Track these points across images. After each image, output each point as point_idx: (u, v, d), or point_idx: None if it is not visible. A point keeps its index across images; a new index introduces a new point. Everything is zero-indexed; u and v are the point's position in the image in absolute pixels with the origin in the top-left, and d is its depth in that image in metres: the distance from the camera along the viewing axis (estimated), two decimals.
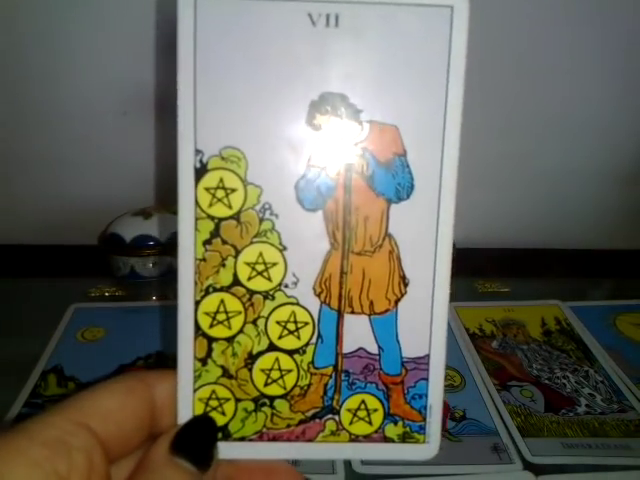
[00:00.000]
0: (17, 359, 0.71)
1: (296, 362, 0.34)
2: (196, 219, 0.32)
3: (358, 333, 0.34)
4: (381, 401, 0.35)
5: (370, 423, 0.35)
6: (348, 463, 0.56)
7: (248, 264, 0.33)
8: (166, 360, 0.71)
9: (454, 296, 0.83)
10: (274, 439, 0.34)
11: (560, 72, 0.94)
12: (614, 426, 0.64)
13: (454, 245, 0.84)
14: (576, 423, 0.64)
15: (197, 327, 0.33)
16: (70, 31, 0.87)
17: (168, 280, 0.87)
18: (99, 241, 0.92)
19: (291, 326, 0.34)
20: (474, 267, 0.92)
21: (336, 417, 0.35)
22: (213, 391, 0.34)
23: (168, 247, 0.86)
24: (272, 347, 0.34)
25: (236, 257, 0.33)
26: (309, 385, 0.34)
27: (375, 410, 0.35)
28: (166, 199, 0.96)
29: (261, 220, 0.33)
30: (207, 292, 0.33)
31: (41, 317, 0.80)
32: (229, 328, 0.34)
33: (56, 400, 0.64)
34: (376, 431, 0.35)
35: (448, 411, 0.65)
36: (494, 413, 0.65)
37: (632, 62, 0.94)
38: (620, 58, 0.94)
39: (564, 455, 0.60)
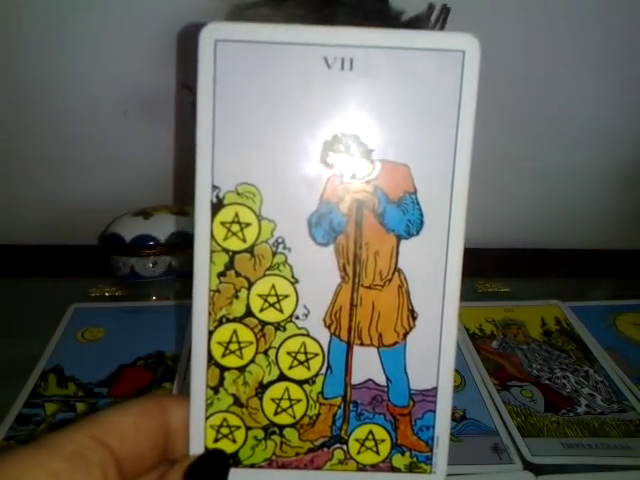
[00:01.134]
0: (17, 359, 0.72)
1: (305, 392, 0.34)
2: (211, 252, 0.33)
3: (367, 365, 0.34)
4: (389, 432, 0.35)
5: (378, 453, 0.35)
6: None
7: (261, 296, 0.34)
8: (166, 360, 0.71)
9: None
10: (283, 467, 0.35)
11: (560, 74, 0.94)
12: (614, 426, 0.64)
13: None
14: (576, 423, 0.65)
15: (210, 356, 0.34)
16: (71, 31, 0.87)
17: (168, 280, 0.88)
18: (99, 241, 0.92)
19: (301, 357, 0.34)
20: (474, 267, 0.91)
21: (344, 446, 0.35)
22: (224, 419, 0.34)
23: (168, 247, 0.86)
24: (282, 377, 0.34)
25: (249, 289, 0.33)
26: (318, 415, 0.35)
27: (383, 440, 0.35)
28: (166, 199, 0.96)
29: (274, 254, 0.33)
30: (220, 322, 0.34)
31: (41, 317, 0.80)
32: (241, 358, 0.34)
33: (56, 400, 0.65)
34: (383, 461, 0.35)
35: None
36: (494, 413, 0.65)
37: (631, 65, 0.94)
38: (620, 61, 0.94)
39: (564, 455, 0.60)
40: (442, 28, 0.75)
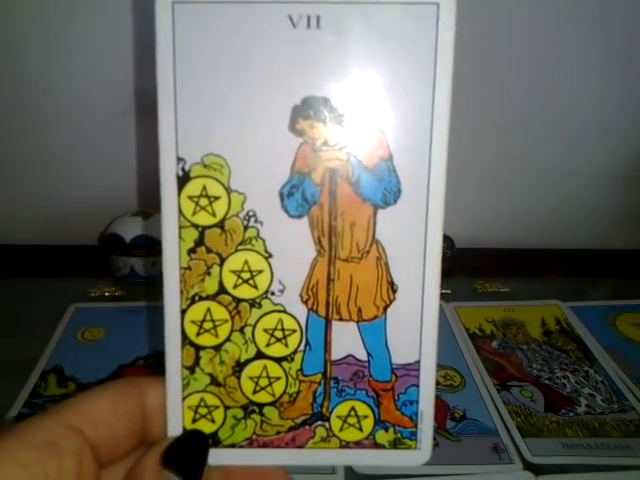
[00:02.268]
0: (17, 359, 0.72)
1: (284, 369, 0.34)
2: (180, 228, 0.32)
3: (346, 340, 0.34)
4: (371, 408, 0.34)
5: (360, 429, 0.34)
6: None
7: (234, 272, 0.33)
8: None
9: (454, 296, 0.83)
10: (264, 445, 0.34)
11: (560, 72, 0.94)
12: (614, 426, 0.64)
13: (454, 245, 0.84)
14: (576, 423, 0.64)
15: (184, 336, 0.33)
16: (68, 32, 0.87)
17: None
18: (99, 241, 0.92)
19: (278, 334, 0.33)
20: (474, 267, 0.92)
21: (326, 424, 0.34)
22: (202, 399, 0.34)
23: None
24: (260, 355, 0.34)
25: (221, 265, 0.33)
26: (298, 392, 0.34)
27: (365, 417, 0.34)
28: None
29: (246, 227, 0.32)
30: (193, 301, 0.33)
31: (41, 317, 0.80)
32: (216, 336, 0.33)
33: (56, 400, 0.65)
34: (367, 437, 0.35)
35: (448, 411, 0.65)
36: (494, 413, 0.65)
37: (632, 63, 0.94)
38: (620, 59, 0.93)
39: (564, 455, 0.60)
40: None
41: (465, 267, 0.90)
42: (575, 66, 0.93)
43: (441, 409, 0.65)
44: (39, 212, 0.98)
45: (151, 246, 0.86)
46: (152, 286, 0.87)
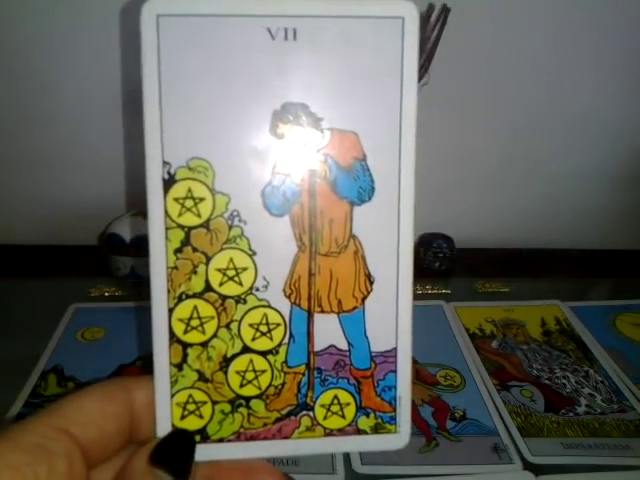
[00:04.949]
0: (17, 359, 0.72)
1: (270, 362, 0.35)
2: (166, 229, 0.33)
3: (328, 331, 0.35)
4: (353, 395, 0.35)
5: (343, 417, 0.36)
6: (348, 463, 0.57)
7: (219, 270, 0.34)
8: None
9: (454, 296, 0.83)
10: (251, 438, 0.35)
11: (562, 74, 0.94)
12: (614, 426, 0.64)
13: (454, 245, 0.84)
14: (576, 423, 0.65)
15: (172, 334, 0.34)
16: (68, 32, 0.88)
17: None
18: (99, 241, 0.93)
19: (263, 328, 0.34)
20: (474, 267, 0.92)
21: (310, 413, 0.35)
22: (190, 395, 0.34)
23: None
24: (246, 349, 0.34)
25: (207, 264, 0.34)
26: (283, 384, 0.35)
27: (348, 404, 0.35)
28: None
29: (230, 227, 0.33)
30: (180, 299, 0.34)
31: (41, 317, 0.81)
32: (203, 333, 0.34)
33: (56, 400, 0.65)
34: (349, 424, 0.36)
35: (448, 411, 0.66)
36: (494, 413, 0.66)
37: (634, 64, 0.94)
38: (621, 60, 0.94)
39: (564, 455, 0.60)
40: (442, 28, 0.75)
41: (465, 267, 0.91)
42: (577, 67, 0.94)
43: (441, 409, 0.66)
44: (39, 212, 0.99)
45: None
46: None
